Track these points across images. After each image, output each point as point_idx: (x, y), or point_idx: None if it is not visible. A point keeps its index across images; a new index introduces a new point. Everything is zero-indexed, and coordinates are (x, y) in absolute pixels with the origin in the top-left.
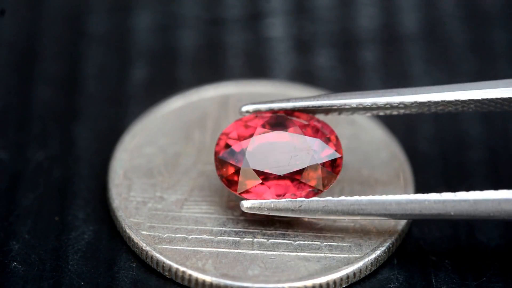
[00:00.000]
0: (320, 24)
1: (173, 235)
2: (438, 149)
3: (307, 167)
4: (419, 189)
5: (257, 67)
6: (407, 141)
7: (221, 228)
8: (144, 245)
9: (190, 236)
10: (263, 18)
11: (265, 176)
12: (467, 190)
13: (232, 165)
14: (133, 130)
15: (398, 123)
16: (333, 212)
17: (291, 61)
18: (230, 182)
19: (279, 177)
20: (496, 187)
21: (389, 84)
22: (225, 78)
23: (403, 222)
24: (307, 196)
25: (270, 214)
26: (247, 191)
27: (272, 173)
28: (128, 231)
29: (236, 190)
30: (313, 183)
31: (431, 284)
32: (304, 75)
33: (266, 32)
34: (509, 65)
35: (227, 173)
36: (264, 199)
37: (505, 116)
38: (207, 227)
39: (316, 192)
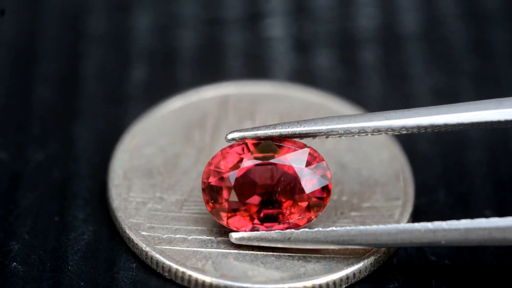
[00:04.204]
0: (320, 24)
1: (172, 235)
2: (438, 149)
3: (296, 195)
4: (419, 189)
5: (257, 67)
6: (407, 141)
7: (221, 229)
8: (144, 245)
9: (190, 237)
10: (263, 18)
11: (253, 205)
12: (467, 190)
13: (219, 195)
14: (133, 130)
15: None
16: (322, 242)
17: (291, 61)
18: (218, 212)
19: (268, 206)
20: (495, 187)
21: (389, 84)
22: (225, 78)
23: None
24: (296, 224)
25: (259, 245)
26: (235, 221)
27: (260, 201)
28: (127, 231)
29: (223, 220)
30: (302, 211)
31: (431, 284)
32: (304, 75)
33: (266, 32)
34: (509, 65)
35: (215, 203)
36: (252, 229)
37: None
38: (207, 228)
39: (306, 220)
